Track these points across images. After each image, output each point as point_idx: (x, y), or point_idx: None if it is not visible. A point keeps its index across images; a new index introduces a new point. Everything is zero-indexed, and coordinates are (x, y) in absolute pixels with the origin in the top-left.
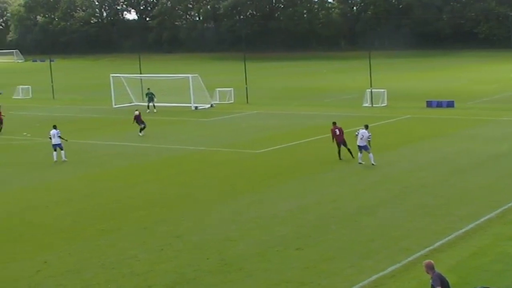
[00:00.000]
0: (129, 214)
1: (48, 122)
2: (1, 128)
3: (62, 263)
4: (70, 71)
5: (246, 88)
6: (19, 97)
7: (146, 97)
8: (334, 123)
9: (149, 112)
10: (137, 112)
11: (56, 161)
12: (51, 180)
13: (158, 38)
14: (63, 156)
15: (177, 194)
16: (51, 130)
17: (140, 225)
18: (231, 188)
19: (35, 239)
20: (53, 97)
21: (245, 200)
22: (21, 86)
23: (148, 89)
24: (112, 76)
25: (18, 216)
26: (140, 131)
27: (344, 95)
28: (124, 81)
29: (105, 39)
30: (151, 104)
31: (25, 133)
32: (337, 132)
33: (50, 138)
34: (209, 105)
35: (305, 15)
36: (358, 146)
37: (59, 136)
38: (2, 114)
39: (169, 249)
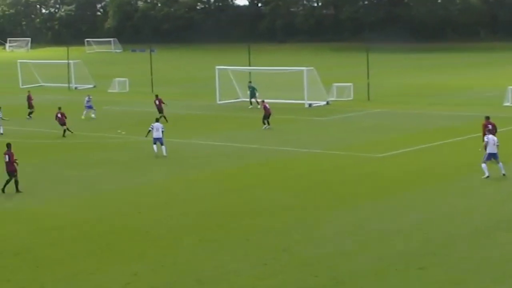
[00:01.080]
0: (231, 223)
1: (145, 119)
2: (32, 111)
3: (154, 275)
4: (172, 62)
5: (368, 83)
6: (114, 91)
7: (248, 91)
8: (487, 118)
9: (251, 107)
10: None
11: (156, 153)
12: (145, 182)
13: (271, 26)
14: (164, 151)
15: (285, 202)
16: (153, 122)
17: (242, 235)
18: (347, 196)
19: (125, 247)
20: (152, 91)
21: (364, 210)
22: (117, 78)
23: (250, 82)
24: (218, 69)
25: (107, 222)
26: None
27: (482, 93)
28: (231, 74)
29: (212, 27)
30: (253, 99)
31: (119, 131)
32: (490, 127)
33: (150, 130)
34: (324, 102)
35: (439, 0)
36: (489, 154)
37: (162, 131)
38: (32, 98)
39: (274, 263)
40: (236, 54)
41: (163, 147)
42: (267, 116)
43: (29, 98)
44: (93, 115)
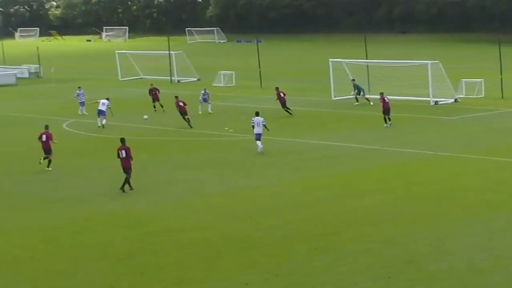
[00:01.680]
0: (351, 231)
1: (254, 115)
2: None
3: (267, 286)
4: (282, 54)
5: (501, 78)
6: (220, 85)
7: (354, 89)
8: None
9: (357, 104)
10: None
11: (259, 152)
12: (255, 185)
13: (389, 15)
14: (258, 148)
15: (411, 209)
16: (254, 117)
17: (364, 245)
18: (480, 205)
19: (236, 255)
20: (261, 85)
21: (501, 221)
22: (222, 71)
23: (353, 80)
24: (332, 61)
25: (216, 227)
26: None
27: None
28: (346, 67)
29: (323, 16)
30: (359, 96)
31: (226, 128)
32: None
33: (253, 126)
34: (452, 100)
35: None
36: None
37: (264, 125)
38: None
39: (398, 277)
40: (350, 46)
41: (259, 142)
42: (386, 111)
43: (152, 91)
44: (210, 110)
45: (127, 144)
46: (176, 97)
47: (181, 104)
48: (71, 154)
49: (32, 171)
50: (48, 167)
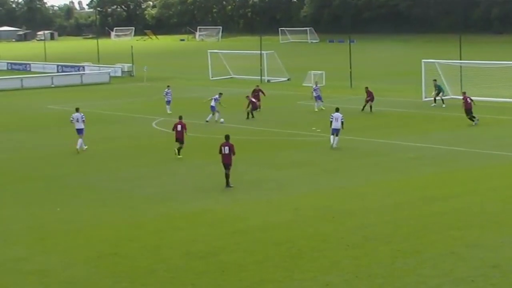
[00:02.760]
0: (435, 234)
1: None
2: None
3: (348, 287)
4: (374, 54)
5: None
6: (310, 85)
7: (435, 89)
8: None
9: (434, 106)
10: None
11: (334, 147)
12: (340, 186)
13: (486, 15)
14: (334, 142)
15: (499, 213)
16: (333, 112)
17: (447, 248)
18: None
19: (317, 255)
20: (351, 85)
21: None
22: (313, 71)
23: (435, 80)
24: (424, 62)
25: (299, 227)
26: None
27: None
28: (439, 68)
29: (418, 16)
30: (438, 98)
31: (314, 128)
32: None
33: (331, 121)
34: None
35: None
36: None
37: (342, 122)
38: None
39: (482, 281)
40: (445, 46)
41: (336, 138)
42: (467, 111)
43: (256, 92)
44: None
45: (207, 142)
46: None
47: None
48: (159, 152)
49: (119, 169)
50: (179, 154)
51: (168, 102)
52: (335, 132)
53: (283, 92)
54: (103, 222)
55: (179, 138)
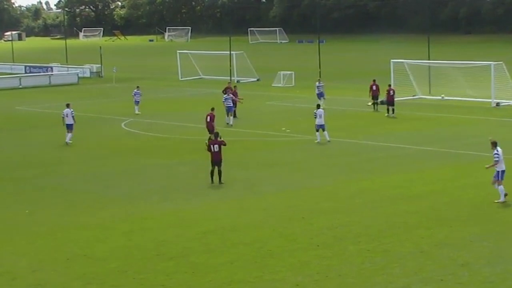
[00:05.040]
0: (404, 233)
1: (311, 115)
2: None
3: (318, 287)
4: (343, 54)
5: None
6: (279, 85)
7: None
8: None
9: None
10: None
11: (319, 141)
12: (309, 186)
13: (454, 15)
14: (326, 136)
15: (465, 213)
16: (316, 109)
17: (416, 247)
18: None
19: (288, 256)
20: None
21: None
22: (282, 72)
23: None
24: (393, 62)
25: (268, 229)
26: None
27: None
28: (407, 68)
29: (387, 16)
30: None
31: (283, 128)
32: None
33: (315, 117)
34: None
35: None
36: None
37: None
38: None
39: (451, 280)
40: (413, 46)
41: (325, 132)
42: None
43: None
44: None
45: (180, 144)
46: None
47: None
48: (128, 153)
49: (88, 170)
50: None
51: (137, 103)
52: (321, 127)
53: (252, 92)
54: (72, 224)
55: (209, 128)
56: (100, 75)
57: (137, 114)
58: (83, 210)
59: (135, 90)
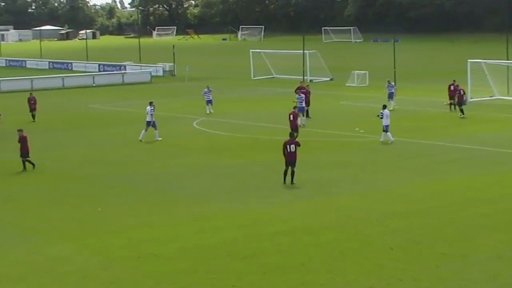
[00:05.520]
0: (481, 237)
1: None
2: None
3: None
4: (418, 54)
5: None
6: (353, 85)
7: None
8: None
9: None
10: None
11: (382, 141)
12: (383, 188)
13: None
14: (389, 137)
15: None
16: (382, 110)
17: (494, 252)
18: None
19: (361, 258)
20: (395, 84)
21: None
22: (356, 71)
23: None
24: (470, 62)
25: (340, 229)
26: None
27: None
28: (485, 68)
29: (463, 15)
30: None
31: (357, 129)
32: None
33: (381, 117)
34: None
35: None
36: None
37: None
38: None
39: None
40: (491, 46)
41: (388, 133)
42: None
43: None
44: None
45: (247, 142)
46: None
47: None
48: (199, 152)
49: (159, 169)
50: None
51: (208, 102)
52: (386, 128)
53: (326, 92)
54: (143, 223)
55: (292, 127)
56: (173, 73)
57: (208, 113)
58: (154, 209)
59: (205, 90)
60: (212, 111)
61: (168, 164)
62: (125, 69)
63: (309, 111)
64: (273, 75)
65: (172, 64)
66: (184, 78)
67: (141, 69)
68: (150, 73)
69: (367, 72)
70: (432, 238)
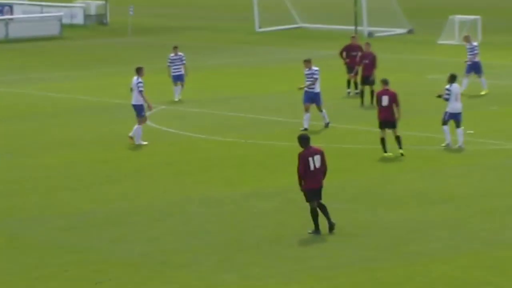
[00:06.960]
0: None
1: None
2: None
3: None
4: None
5: None
6: (452, 42)
7: None
8: None
9: None
10: None
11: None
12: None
13: None
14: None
15: None
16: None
17: None
18: None
19: None
20: None
21: None
22: (458, 16)
23: None
24: None
25: None
26: None
27: None
28: None
29: None
30: None
31: (462, 128)
32: None
33: (446, 99)
34: None
35: None
36: None
37: None
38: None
39: None
40: None
41: (459, 130)
42: None
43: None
44: (483, 91)
45: None
46: None
47: None
48: (158, 173)
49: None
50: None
51: (177, 78)
52: (453, 118)
53: (401, 56)
54: None
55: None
56: (104, 20)
57: (178, 101)
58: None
59: (171, 55)
60: (180, 98)
61: (97, 196)
62: (11, 12)
63: (374, 92)
64: (297, 24)
65: (103, 2)
66: (124, 30)
67: (42, 13)
68: (60, 20)
69: (479, 17)
70: None
